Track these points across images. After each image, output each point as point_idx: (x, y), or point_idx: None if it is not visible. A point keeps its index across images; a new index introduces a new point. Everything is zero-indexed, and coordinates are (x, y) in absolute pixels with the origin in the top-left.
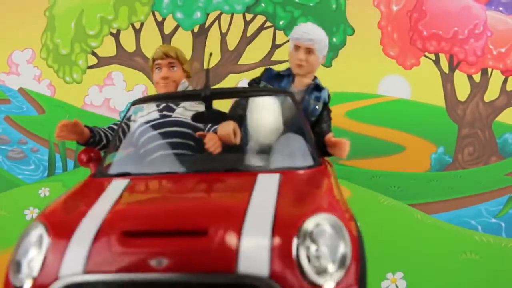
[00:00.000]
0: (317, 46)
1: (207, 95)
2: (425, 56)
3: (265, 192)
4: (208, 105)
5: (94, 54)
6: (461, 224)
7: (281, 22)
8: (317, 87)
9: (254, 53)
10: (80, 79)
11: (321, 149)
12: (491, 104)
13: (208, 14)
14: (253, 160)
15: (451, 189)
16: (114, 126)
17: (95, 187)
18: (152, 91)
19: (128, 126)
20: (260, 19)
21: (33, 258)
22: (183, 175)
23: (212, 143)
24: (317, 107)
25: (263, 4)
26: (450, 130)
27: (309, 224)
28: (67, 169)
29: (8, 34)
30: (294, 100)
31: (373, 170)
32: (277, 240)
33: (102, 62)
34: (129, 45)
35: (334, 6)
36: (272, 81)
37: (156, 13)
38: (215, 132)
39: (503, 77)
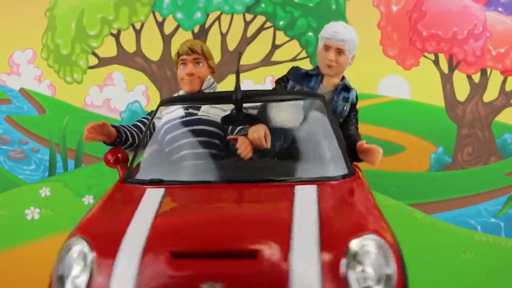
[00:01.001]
0: (347, 47)
1: (238, 98)
2: (425, 56)
3: (306, 208)
4: (239, 108)
5: (94, 54)
6: (460, 224)
7: (281, 23)
8: (346, 88)
9: (254, 53)
10: (80, 79)
11: (351, 154)
12: (490, 104)
13: (208, 15)
14: (289, 170)
15: (450, 189)
16: (139, 124)
17: (129, 196)
18: (153, 91)
19: (155, 126)
20: (260, 19)
21: (78, 275)
22: (218, 186)
23: (243, 148)
24: (345, 108)
25: (263, 5)
26: (450, 130)
27: (356, 245)
28: (67, 169)
29: (9, 35)
30: (326, 104)
31: (373, 170)
32: (326, 262)
33: (103, 62)
34: (129, 46)
35: (334, 6)
36: (300, 81)
37: (157, 14)
38: (242, 134)
39: (502, 77)
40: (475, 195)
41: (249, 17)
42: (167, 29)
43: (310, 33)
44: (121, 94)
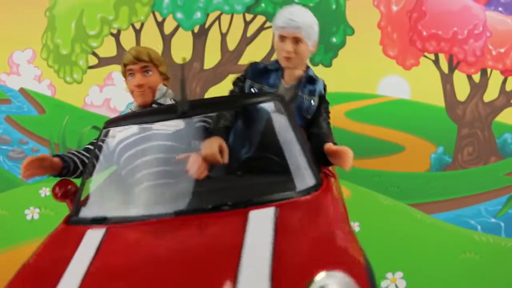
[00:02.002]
0: (305, 34)
1: (184, 111)
2: (425, 56)
3: (258, 241)
4: (187, 122)
5: (94, 54)
6: (460, 223)
7: None
8: (311, 80)
9: (254, 53)
10: (80, 79)
11: (320, 156)
12: (491, 104)
13: (208, 15)
14: (245, 190)
15: (450, 189)
16: (90, 147)
17: (69, 239)
18: None
19: (101, 149)
20: (260, 19)
21: None
22: (163, 221)
23: (195, 167)
24: (312, 102)
25: (263, 4)
26: (450, 130)
27: (315, 286)
28: None
29: (8, 35)
30: (284, 104)
31: (373, 170)
32: None
33: (103, 62)
34: (129, 45)
35: (334, 6)
36: (259, 78)
37: (157, 13)
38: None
39: (503, 77)
40: (475, 195)
41: (249, 17)
42: (167, 29)
43: None
44: (121, 94)
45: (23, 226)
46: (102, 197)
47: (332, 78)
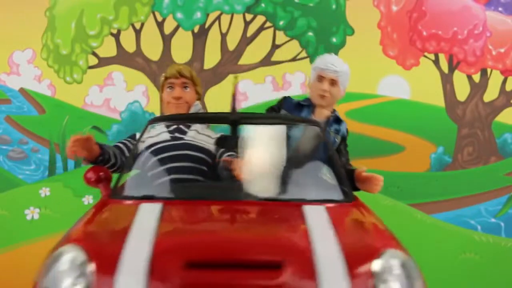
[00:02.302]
0: (341, 79)
1: (234, 119)
2: (425, 56)
3: (320, 227)
4: (235, 130)
5: (94, 54)
6: (460, 224)
7: (281, 23)
8: (337, 120)
9: (254, 53)
10: (80, 79)
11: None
12: (491, 104)
13: (208, 15)
14: (293, 190)
15: (450, 189)
16: (120, 145)
17: (120, 210)
18: (153, 91)
19: (139, 148)
20: (260, 19)
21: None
22: (220, 203)
23: (240, 170)
24: (336, 140)
25: (263, 4)
26: (450, 130)
27: (380, 263)
28: (67, 169)
29: (8, 35)
30: (323, 130)
31: (373, 170)
32: (355, 282)
33: (103, 62)
34: (129, 45)
35: (334, 6)
36: (292, 111)
37: (157, 13)
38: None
39: (503, 77)
40: (475, 195)
41: (249, 17)
42: (167, 29)
43: (310, 33)
44: (121, 94)
45: (23, 226)
46: (146, 183)
47: None
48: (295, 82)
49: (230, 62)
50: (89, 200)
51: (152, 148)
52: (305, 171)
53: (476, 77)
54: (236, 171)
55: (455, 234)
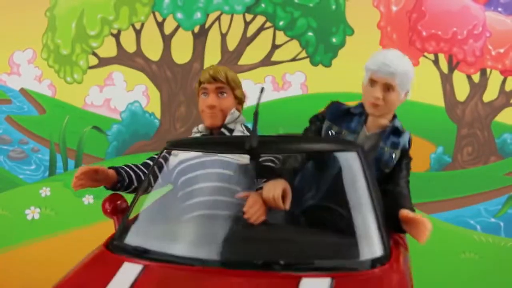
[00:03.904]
0: (398, 82)
1: (252, 147)
2: (424, 56)
3: None
4: (254, 158)
5: (94, 54)
6: (460, 223)
7: (281, 23)
8: (396, 131)
9: (254, 53)
10: (80, 79)
11: (393, 220)
12: (490, 104)
13: (208, 15)
14: (298, 250)
15: (450, 189)
16: (150, 162)
17: (105, 267)
18: (153, 91)
19: (161, 169)
20: (260, 19)
21: None
22: (205, 271)
23: (253, 211)
24: (393, 156)
25: (263, 5)
26: (449, 130)
27: None
28: (68, 169)
29: (9, 35)
30: (363, 157)
31: None
32: None
33: (103, 62)
34: (129, 46)
35: (333, 6)
36: (338, 120)
37: (157, 14)
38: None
39: (502, 77)
40: (475, 195)
41: (249, 17)
42: (167, 29)
43: (310, 33)
44: (121, 94)
45: (23, 226)
46: (149, 224)
47: (332, 78)
48: (295, 82)
49: (230, 62)
50: (89, 200)
51: (181, 166)
52: (323, 216)
53: (476, 77)
54: (247, 214)
55: (455, 234)
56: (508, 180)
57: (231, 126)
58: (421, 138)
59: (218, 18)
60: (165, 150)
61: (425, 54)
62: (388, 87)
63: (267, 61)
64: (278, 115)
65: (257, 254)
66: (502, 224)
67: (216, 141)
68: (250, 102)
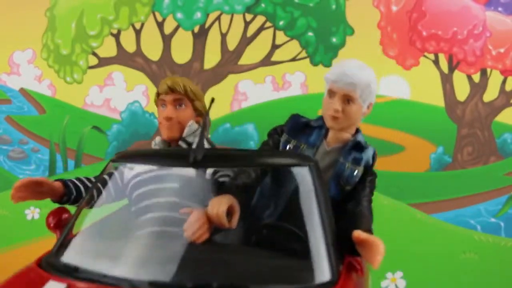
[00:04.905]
0: (360, 93)
1: (197, 160)
2: (425, 56)
3: None
4: (203, 172)
5: (94, 54)
6: (460, 223)
7: (281, 23)
8: (358, 146)
9: (254, 53)
10: (80, 79)
11: (349, 241)
12: (490, 104)
13: (208, 15)
14: (237, 273)
15: (450, 189)
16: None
17: (27, 285)
18: (153, 91)
19: (105, 184)
20: (260, 19)
21: None
22: None
23: (194, 229)
24: (355, 173)
25: (263, 5)
26: (450, 130)
27: None
28: (67, 169)
29: (9, 35)
30: (317, 173)
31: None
32: None
33: (103, 62)
34: (129, 46)
35: (333, 6)
36: (297, 134)
37: (157, 14)
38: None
39: (502, 77)
40: (475, 195)
41: (249, 17)
42: (167, 29)
43: (310, 33)
44: (121, 94)
45: (23, 226)
46: (86, 240)
47: None
48: (295, 82)
49: (230, 62)
50: None
51: (136, 179)
52: (269, 236)
53: (476, 77)
54: (187, 232)
55: (455, 234)
56: (508, 180)
57: (189, 139)
58: (421, 138)
59: (218, 18)
60: (110, 164)
61: (425, 54)
62: (348, 99)
63: (267, 61)
64: (278, 115)
65: (188, 276)
66: (502, 224)
67: (162, 153)
68: (251, 101)
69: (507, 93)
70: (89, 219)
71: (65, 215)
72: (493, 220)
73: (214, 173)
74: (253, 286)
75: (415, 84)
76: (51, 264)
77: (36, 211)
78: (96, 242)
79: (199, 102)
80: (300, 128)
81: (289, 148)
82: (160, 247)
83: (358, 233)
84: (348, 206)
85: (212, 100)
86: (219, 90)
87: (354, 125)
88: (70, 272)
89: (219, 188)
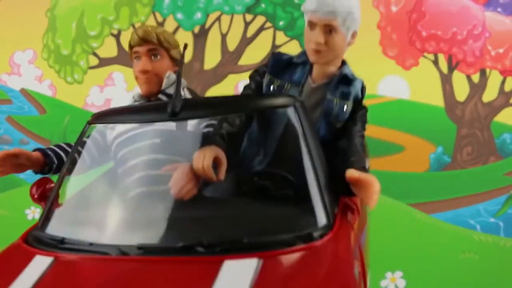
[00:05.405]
0: (341, 22)
1: (175, 112)
2: (424, 56)
3: None
4: (184, 124)
5: (95, 54)
6: (460, 223)
7: (281, 23)
8: (346, 79)
9: (254, 53)
10: (81, 79)
11: (344, 182)
12: (490, 104)
13: (208, 15)
14: (225, 228)
15: (450, 189)
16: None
17: (13, 262)
18: None
19: (86, 148)
20: (260, 19)
21: None
22: (119, 259)
23: (180, 185)
24: (344, 108)
25: (263, 5)
26: (449, 130)
27: None
28: None
29: (9, 35)
30: (303, 113)
31: (373, 170)
32: None
33: (103, 62)
34: None
35: None
36: (281, 72)
37: (157, 14)
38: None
39: (502, 77)
40: (474, 195)
41: (249, 17)
42: (167, 29)
43: None
44: (121, 94)
45: (24, 226)
46: (72, 209)
47: None
48: None
49: (230, 63)
50: None
51: (118, 140)
52: (257, 185)
53: (475, 78)
54: (172, 190)
55: (455, 234)
56: (507, 180)
57: (169, 91)
58: (420, 138)
59: (218, 18)
60: (87, 126)
61: (425, 54)
62: (330, 29)
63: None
64: None
65: (177, 237)
66: (501, 224)
67: (140, 108)
68: None
69: (506, 93)
70: (74, 186)
71: (50, 185)
72: (492, 220)
73: (199, 123)
74: (244, 239)
75: (414, 84)
76: (37, 238)
77: (36, 211)
78: (82, 209)
79: (175, 50)
80: (283, 66)
81: (273, 89)
82: (147, 208)
83: (351, 172)
84: (340, 144)
85: (185, 46)
86: (219, 90)
87: (339, 57)
88: (57, 245)
89: (203, 140)
